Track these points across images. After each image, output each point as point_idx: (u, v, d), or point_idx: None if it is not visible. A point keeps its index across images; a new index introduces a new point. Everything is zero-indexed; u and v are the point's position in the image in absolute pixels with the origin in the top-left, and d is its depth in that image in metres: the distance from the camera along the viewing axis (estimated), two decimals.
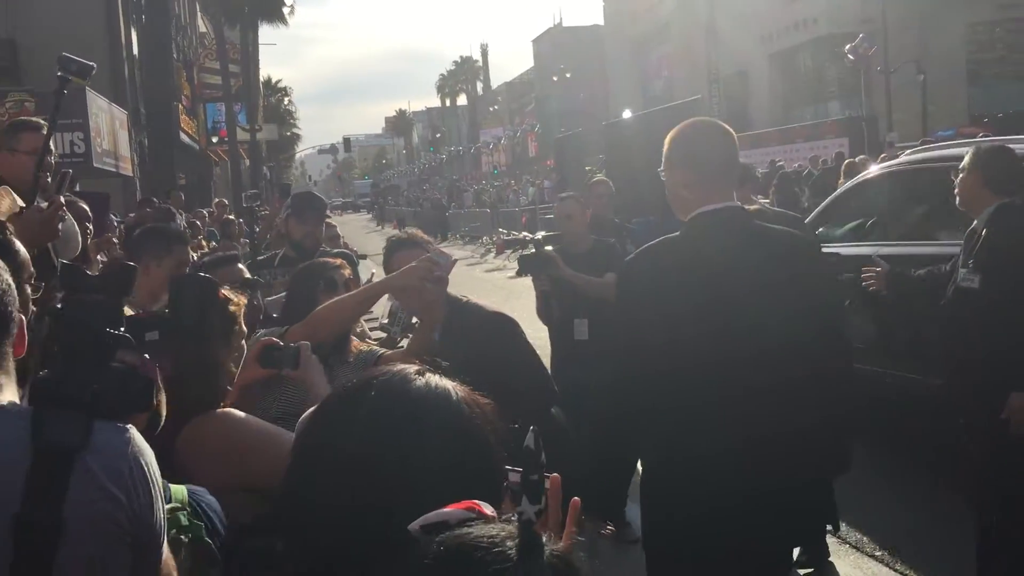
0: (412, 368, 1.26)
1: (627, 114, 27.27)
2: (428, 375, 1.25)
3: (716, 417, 2.49)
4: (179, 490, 1.98)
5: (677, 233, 2.71)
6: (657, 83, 50.91)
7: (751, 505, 2.47)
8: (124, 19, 25.94)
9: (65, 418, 1.53)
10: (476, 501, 1.02)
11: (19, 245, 2.15)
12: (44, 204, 3.27)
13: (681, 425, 2.54)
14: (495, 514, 1.02)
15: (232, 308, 2.50)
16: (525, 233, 8.07)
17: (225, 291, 2.52)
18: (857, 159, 17.99)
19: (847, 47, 27.31)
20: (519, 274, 5.44)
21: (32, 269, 2.12)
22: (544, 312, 5.32)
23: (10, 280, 1.61)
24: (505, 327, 3.30)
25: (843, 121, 30.69)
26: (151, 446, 1.68)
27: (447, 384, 1.25)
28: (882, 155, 19.18)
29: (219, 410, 2.38)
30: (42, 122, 4.11)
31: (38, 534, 1.48)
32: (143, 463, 1.62)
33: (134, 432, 1.63)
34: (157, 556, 1.69)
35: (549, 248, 5.18)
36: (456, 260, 3.65)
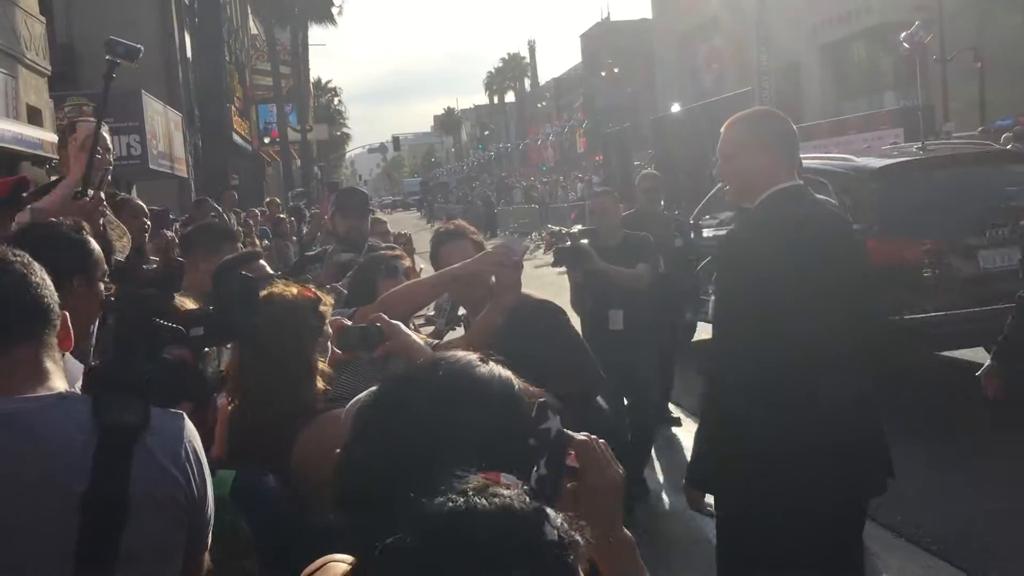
0: (475, 355, 1.31)
1: (676, 108, 27.07)
2: (491, 362, 1.30)
3: (807, 375, 2.65)
4: (224, 478, 2.03)
5: (751, 214, 2.86)
6: (706, 77, 50.44)
7: (839, 460, 2.64)
8: (178, 23, 26.43)
9: (124, 401, 1.60)
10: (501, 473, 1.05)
11: (94, 243, 2.27)
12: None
13: (775, 382, 2.65)
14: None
15: (322, 308, 2.50)
16: (562, 228, 8.32)
17: (312, 290, 2.52)
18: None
19: (902, 35, 26.77)
20: (554, 265, 5.69)
21: (106, 267, 2.27)
22: (578, 302, 5.61)
23: (45, 276, 1.68)
24: (552, 314, 3.33)
25: (898, 111, 30.04)
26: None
27: (508, 372, 1.29)
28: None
29: (332, 412, 2.27)
30: (93, 120, 4.16)
31: (105, 511, 1.53)
32: (197, 448, 1.70)
33: (186, 418, 1.70)
34: (205, 542, 1.75)
35: (584, 241, 5.46)
36: (527, 246, 3.73)
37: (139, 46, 3.38)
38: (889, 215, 6.94)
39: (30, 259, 1.69)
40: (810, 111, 39.93)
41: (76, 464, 1.53)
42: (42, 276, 1.69)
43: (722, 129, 2.95)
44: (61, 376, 1.66)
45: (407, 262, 3.42)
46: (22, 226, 2.53)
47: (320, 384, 2.43)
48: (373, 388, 1.47)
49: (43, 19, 16.19)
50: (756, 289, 2.68)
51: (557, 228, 9.04)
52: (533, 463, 1.15)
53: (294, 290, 2.49)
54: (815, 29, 39.33)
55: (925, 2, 30.89)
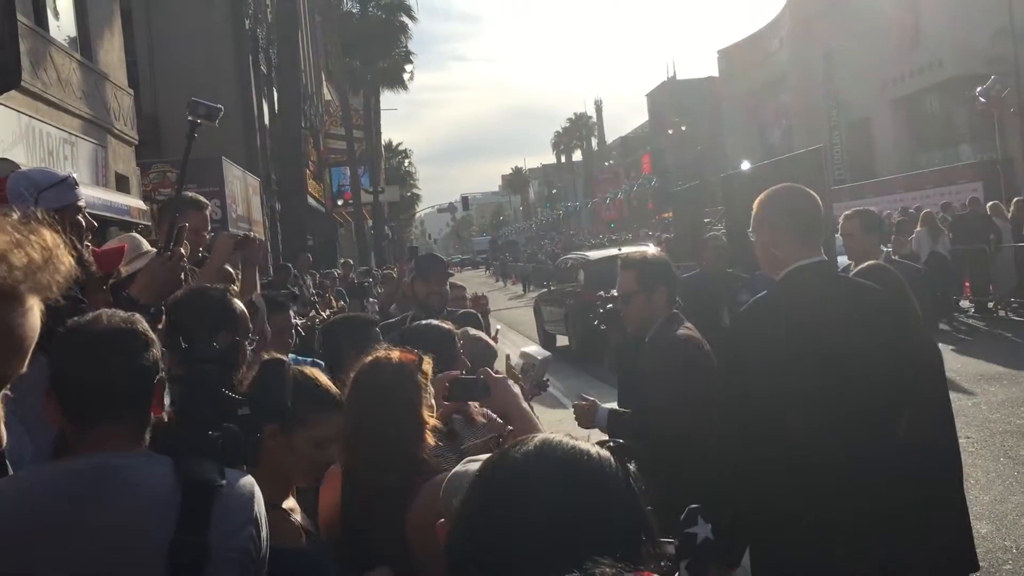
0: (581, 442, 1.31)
1: (745, 165, 26.95)
2: (597, 448, 1.30)
3: (818, 455, 2.68)
4: None
5: (769, 292, 3.00)
6: (775, 133, 50.23)
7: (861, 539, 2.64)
8: (256, 93, 27.39)
9: (202, 462, 1.80)
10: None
11: (237, 303, 2.58)
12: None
13: (785, 462, 2.72)
14: None
15: (424, 367, 2.49)
16: (603, 292, 8.62)
17: (413, 352, 2.52)
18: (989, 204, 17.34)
19: (978, 90, 26.36)
20: (597, 325, 5.82)
21: (249, 324, 2.57)
22: (615, 363, 5.72)
23: (155, 351, 1.88)
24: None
25: (976, 165, 29.47)
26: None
27: (607, 455, 1.29)
28: (1016, 199, 18.39)
29: (442, 474, 2.23)
30: (206, 202, 4.40)
31: (189, 557, 1.71)
32: (263, 507, 1.89)
33: (254, 480, 1.91)
34: None
35: None
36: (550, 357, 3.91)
37: (220, 106, 3.48)
38: None
39: (146, 338, 1.86)
40: (883, 165, 39.36)
41: (164, 514, 1.73)
42: (152, 353, 1.86)
43: None
44: (145, 438, 1.85)
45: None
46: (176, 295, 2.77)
47: (431, 439, 2.47)
48: (475, 460, 1.47)
49: (131, 92, 16.93)
50: (760, 367, 2.78)
51: (603, 293, 9.19)
52: (671, 564, 1.15)
53: (396, 354, 2.53)
54: (885, 84, 38.95)
55: (999, 54, 30.41)
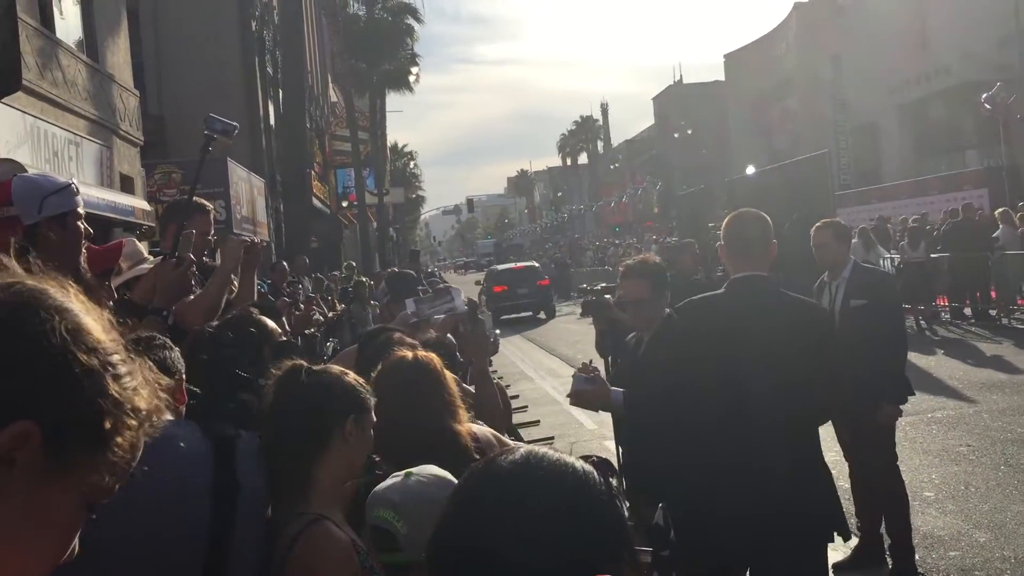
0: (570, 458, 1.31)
1: (751, 170, 26.94)
2: (577, 460, 1.30)
3: (728, 441, 3.25)
4: None
5: (718, 291, 3.69)
6: (781, 137, 50.17)
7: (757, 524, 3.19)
8: (262, 94, 27.44)
9: (222, 424, 2.28)
10: None
11: (267, 320, 2.90)
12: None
13: (697, 443, 3.31)
14: None
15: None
16: (588, 284, 9.71)
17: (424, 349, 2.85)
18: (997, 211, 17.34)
19: (983, 96, 26.31)
20: (582, 316, 6.88)
21: (277, 339, 2.91)
22: (600, 346, 6.44)
23: (174, 349, 2.43)
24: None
25: (983, 171, 29.42)
26: None
27: (577, 465, 1.28)
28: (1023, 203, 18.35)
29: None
30: (210, 205, 4.51)
31: (225, 493, 2.18)
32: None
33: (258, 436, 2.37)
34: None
35: (607, 296, 6.41)
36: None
37: (235, 124, 3.57)
38: None
39: (164, 342, 2.40)
40: (889, 171, 39.29)
41: (202, 463, 2.19)
42: (169, 355, 2.39)
43: None
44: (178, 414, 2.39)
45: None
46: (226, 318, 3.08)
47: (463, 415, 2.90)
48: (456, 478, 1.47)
49: (137, 93, 16.98)
50: (683, 364, 3.41)
51: (584, 286, 10.41)
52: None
53: (409, 354, 2.90)
54: (892, 90, 38.87)
55: (1006, 61, 30.38)
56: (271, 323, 3.01)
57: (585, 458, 1.34)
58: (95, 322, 0.97)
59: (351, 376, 2.39)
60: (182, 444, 2.22)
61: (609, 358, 6.62)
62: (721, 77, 60.99)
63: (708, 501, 3.24)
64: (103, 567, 1.97)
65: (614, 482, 1.30)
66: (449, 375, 2.93)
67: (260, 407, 2.40)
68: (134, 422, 0.97)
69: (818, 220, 6.46)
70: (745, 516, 3.19)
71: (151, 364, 1.06)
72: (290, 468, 2.25)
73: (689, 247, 9.73)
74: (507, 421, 4.01)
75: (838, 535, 3.52)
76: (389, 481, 2.30)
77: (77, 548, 0.98)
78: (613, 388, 3.78)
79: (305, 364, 2.36)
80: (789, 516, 3.22)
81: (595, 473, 1.27)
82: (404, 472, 2.27)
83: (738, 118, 55.81)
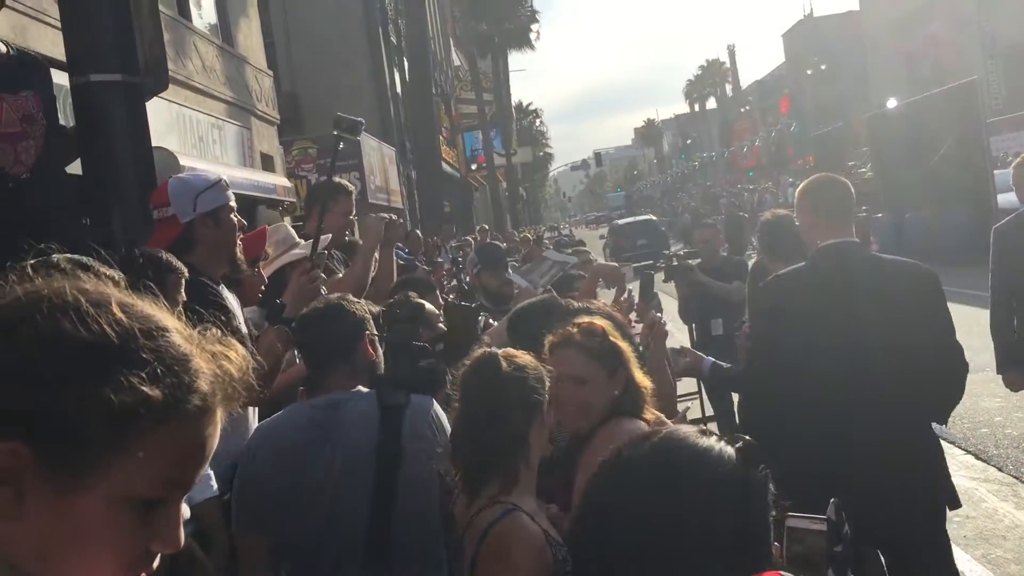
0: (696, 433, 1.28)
1: (892, 103, 25.61)
2: (714, 439, 1.26)
3: (838, 415, 3.09)
4: None
5: (803, 264, 3.48)
6: (924, 65, 47.37)
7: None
8: (388, 63, 27.87)
9: (395, 392, 2.67)
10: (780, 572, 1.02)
11: (424, 303, 3.15)
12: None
13: (808, 419, 3.12)
14: None
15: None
16: (667, 251, 9.47)
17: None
18: None
19: None
20: (665, 280, 6.66)
21: (435, 321, 3.34)
22: (683, 312, 6.60)
23: (356, 312, 2.78)
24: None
25: None
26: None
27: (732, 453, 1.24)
28: None
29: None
30: (351, 187, 4.69)
31: (389, 456, 2.58)
32: (442, 417, 2.67)
33: (435, 401, 2.72)
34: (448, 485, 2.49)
35: (688, 261, 6.60)
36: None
37: (361, 119, 3.64)
38: None
39: (353, 309, 2.76)
40: None
41: (370, 428, 2.61)
42: (357, 320, 2.75)
43: None
44: (361, 380, 2.75)
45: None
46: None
47: None
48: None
49: (270, 72, 17.54)
50: (787, 334, 3.24)
51: (669, 251, 10.07)
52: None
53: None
54: None
55: None
56: (427, 304, 3.23)
57: (732, 440, 1.29)
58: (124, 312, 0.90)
59: (530, 357, 2.31)
60: (354, 411, 2.63)
61: (693, 325, 6.73)
62: (855, 6, 58.06)
63: (819, 465, 3.05)
64: (280, 517, 2.59)
65: (763, 469, 1.23)
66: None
67: (443, 368, 2.69)
68: (190, 407, 0.90)
69: (968, 151, 6.01)
70: (857, 481, 2.98)
71: (228, 349, 0.98)
72: (505, 457, 2.16)
73: (703, 231, 8.38)
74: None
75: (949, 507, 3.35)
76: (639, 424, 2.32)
77: (157, 562, 0.92)
78: (705, 358, 3.86)
79: (498, 352, 2.30)
80: (903, 484, 3.10)
81: (732, 458, 1.22)
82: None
83: (875, 48, 53.08)
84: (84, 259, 2.19)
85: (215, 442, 0.94)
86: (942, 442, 3.51)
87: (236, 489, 2.73)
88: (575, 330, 2.58)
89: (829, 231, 3.35)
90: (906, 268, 3.41)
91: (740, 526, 1.15)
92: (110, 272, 1.00)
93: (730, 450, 1.23)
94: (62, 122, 4.40)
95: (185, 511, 0.95)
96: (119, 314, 0.90)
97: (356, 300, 2.92)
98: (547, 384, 2.28)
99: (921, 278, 3.32)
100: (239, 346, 1.00)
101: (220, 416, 0.94)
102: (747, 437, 1.25)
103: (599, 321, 2.68)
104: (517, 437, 2.17)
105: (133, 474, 0.87)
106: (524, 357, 2.29)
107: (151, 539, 0.91)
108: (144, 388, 0.87)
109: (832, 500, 1.12)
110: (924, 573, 3.22)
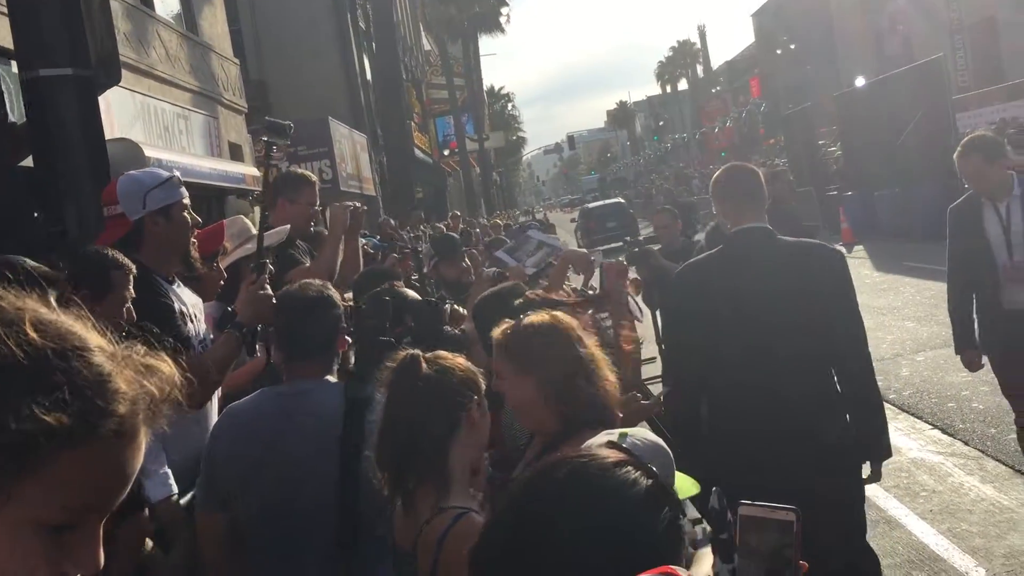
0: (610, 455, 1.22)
1: (860, 82, 25.75)
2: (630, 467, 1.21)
3: (746, 384, 3.31)
4: None
5: (718, 248, 3.62)
6: (892, 42, 47.60)
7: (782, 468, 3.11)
8: (356, 49, 27.66)
9: (363, 385, 2.69)
10: (672, 566, 1.02)
11: (406, 291, 3.30)
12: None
13: (720, 392, 3.42)
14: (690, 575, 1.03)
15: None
16: (628, 237, 9.54)
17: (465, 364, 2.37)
18: None
19: None
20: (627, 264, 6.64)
21: (416, 305, 3.29)
22: (647, 298, 6.47)
23: (335, 310, 2.82)
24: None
25: None
26: None
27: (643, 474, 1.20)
28: None
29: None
30: (314, 178, 4.69)
31: (352, 444, 2.61)
32: None
33: None
34: None
35: (649, 246, 6.67)
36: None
37: (288, 122, 3.45)
38: None
39: (332, 300, 2.81)
40: (1013, 69, 36.92)
41: (335, 419, 2.66)
42: (337, 312, 2.82)
43: None
44: (332, 372, 2.82)
45: None
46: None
47: None
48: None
49: (237, 61, 17.34)
50: (701, 313, 3.43)
51: (629, 238, 10.06)
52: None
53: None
54: None
55: None
56: (410, 292, 3.34)
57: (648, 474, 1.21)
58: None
59: (461, 359, 2.29)
60: (321, 403, 2.70)
61: (657, 311, 6.72)
62: None
63: (735, 419, 3.32)
64: (249, 500, 2.65)
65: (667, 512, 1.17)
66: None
67: None
68: (105, 431, 0.85)
69: (935, 128, 6.01)
70: (772, 435, 3.20)
71: (147, 355, 0.93)
72: (424, 462, 2.13)
73: (783, 175, 9.20)
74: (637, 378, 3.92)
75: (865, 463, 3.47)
76: (602, 438, 2.06)
77: None
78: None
79: (421, 353, 2.25)
80: (815, 440, 3.24)
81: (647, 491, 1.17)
82: (619, 432, 2.02)
83: (844, 26, 53.29)
84: (16, 259, 2.17)
85: (137, 463, 0.90)
86: (911, 416, 3.62)
87: (201, 468, 2.78)
88: (507, 327, 2.37)
89: (740, 217, 3.53)
90: (813, 249, 3.59)
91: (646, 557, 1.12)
92: (52, 274, 0.97)
93: (643, 486, 1.17)
94: (12, 118, 4.32)
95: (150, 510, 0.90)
96: (32, 334, 0.85)
97: (334, 289, 2.94)
98: (481, 384, 2.24)
99: (826, 258, 3.50)
100: (168, 361, 0.96)
101: (143, 436, 0.90)
102: (657, 475, 1.22)
103: (546, 317, 2.38)
104: (437, 440, 2.12)
105: (40, 500, 0.83)
106: (453, 359, 2.25)
107: (64, 564, 0.86)
108: (46, 417, 0.81)
109: (714, 489, 1.12)
110: (831, 529, 3.17)
